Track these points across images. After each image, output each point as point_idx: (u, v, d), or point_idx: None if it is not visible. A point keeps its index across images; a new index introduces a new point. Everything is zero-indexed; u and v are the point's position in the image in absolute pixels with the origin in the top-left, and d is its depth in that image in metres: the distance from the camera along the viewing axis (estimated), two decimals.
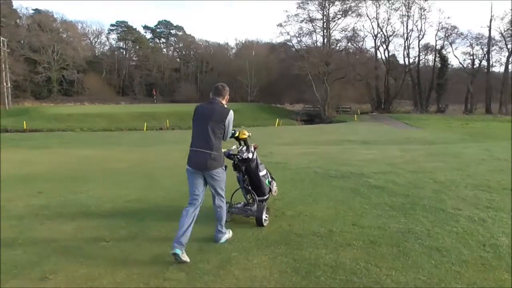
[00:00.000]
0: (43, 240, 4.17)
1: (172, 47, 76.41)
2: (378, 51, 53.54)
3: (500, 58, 54.69)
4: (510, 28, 45.67)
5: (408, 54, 52.04)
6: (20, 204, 5.62)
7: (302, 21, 48.59)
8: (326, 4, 47.77)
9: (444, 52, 50.16)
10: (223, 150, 4.10)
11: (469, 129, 26.62)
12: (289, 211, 5.00)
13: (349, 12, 48.04)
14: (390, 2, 49.69)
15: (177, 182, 6.96)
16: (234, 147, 4.70)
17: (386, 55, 53.19)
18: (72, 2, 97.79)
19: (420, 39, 50.99)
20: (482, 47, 48.96)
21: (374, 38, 52.41)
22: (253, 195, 4.70)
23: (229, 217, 4.69)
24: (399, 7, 49.92)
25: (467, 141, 17.11)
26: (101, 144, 17.52)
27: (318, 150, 11.77)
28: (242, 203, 4.82)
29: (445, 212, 4.87)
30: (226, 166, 4.03)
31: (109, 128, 31.07)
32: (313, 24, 49.13)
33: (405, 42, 51.40)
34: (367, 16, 53.14)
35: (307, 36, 50.18)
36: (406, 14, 50.10)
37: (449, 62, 50.59)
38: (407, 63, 52.36)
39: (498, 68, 52.46)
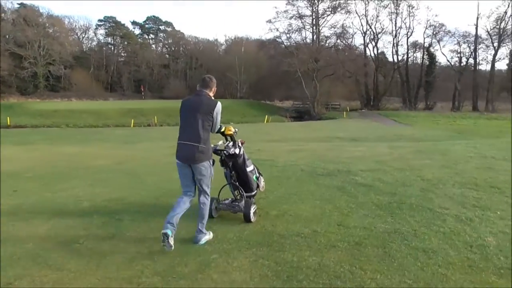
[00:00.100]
0: (12, 243, 3.95)
1: (161, 43, 75.60)
2: (367, 48, 53.75)
3: (487, 56, 55.76)
4: (496, 26, 46.22)
5: (396, 51, 52.33)
6: None
7: (291, 18, 48.37)
8: (315, 1, 47.60)
9: (432, 49, 50.58)
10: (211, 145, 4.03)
11: (456, 126, 26.82)
12: (273, 211, 4.85)
13: (338, 9, 47.92)
14: None
15: (160, 180, 6.79)
16: (220, 142, 4.61)
17: (375, 52, 53.47)
18: None
19: (408, 36, 51.25)
20: (469, 45, 49.45)
21: (363, 35, 52.58)
22: (240, 191, 4.63)
23: (217, 213, 4.67)
24: (388, 4, 50.07)
25: (454, 138, 17.18)
26: (86, 140, 17.16)
27: (306, 147, 11.64)
28: (230, 199, 4.74)
29: (432, 211, 4.77)
30: (213, 161, 3.95)
31: (96, 125, 30.55)
32: (303, 21, 48.98)
33: (393, 39, 51.61)
34: (356, 13, 53.15)
35: (297, 32, 50.02)
36: (395, 11, 50.26)
37: (437, 60, 51.01)
38: (395, 60, 52.67)
39: (485, 66, 53.09)
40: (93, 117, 33.07)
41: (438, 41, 50.35)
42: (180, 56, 71.51)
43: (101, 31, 69.22)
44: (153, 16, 73.00)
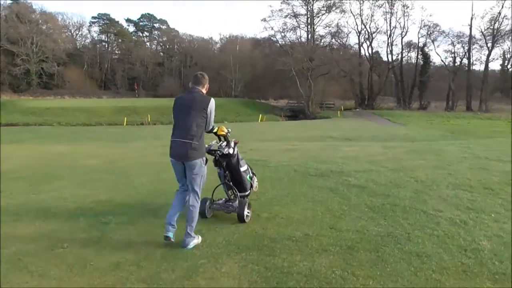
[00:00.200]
0: None
1: (156, 41, 75.18)
2: (361, 48, 53.75)
3: (481, 57, 56.19)
4: (490, 27, 46.45)
5: (391, 51, 52.46)
6: None
7: (286, 16, 48.17)
8: (310, 0, 47.53)
9: (426, 49, 50.69)
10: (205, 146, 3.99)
11: (450, 126, 26.88)
12: (264, 213, 4.74)
13: (333, 8, 47.82)
14: None
15: (150, 180, 6.66)
16: (214, 142, 4.55)
17: (370, 52, 53.53)
18: None
19: (403, 36, 51.41)
20: (463, 45, 49.66)
21: (358, 34, 52.62)
22: (234, 191, 4.60)
23: (211, 213, 4.63)
24: (383, 4, 50.10)
25: (448, 138, 17.18)
26: (77, 139, 16.92)
27: (300, 146, 11.54)
28: (224, 199, 4.71)
29: (426, 213, 4.70)
30: (206, 160, 3.89)
31: (89, 123, 30.27)
32: (297, 20, 48.81)
33: (388, 39, 51.72)
34: (351, 12, 53.34)
35: (291, 31, 49.85)
36: (390, 11, 50.31)
37: (431, 60, 51.12)
38: (390, 60, 52.77)
39: (479, 67, 53.48)
40: (85, 115, 32.77)
41: (433, 41, 50.62)
42: (174, 54, 71.12)
43: (95, 28, 68.87)
44: (148, 13, 72.68)
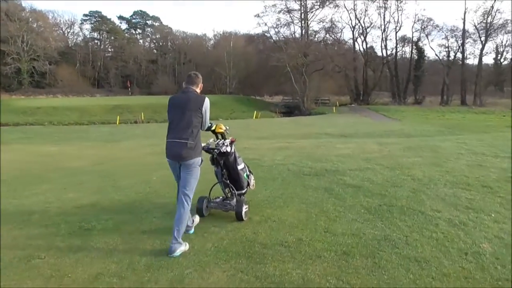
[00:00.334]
0: None
1: (149, 38, 74.59)
2: (356, 43, 53.44)
3: (474, 51, 55.91)
4: (484, 21, 46.36)
5: (385, 45, 52.13)
6: None
7: (279, 12, 47.75)
8: None
9: (420, 44, 50.51)
10: (202, 144, 3.93)
11: (445, 121, 26.78)
12: (256, 216, 4.54)
13: (327, 3, 47.47)
14: None
15: (137, 182, 6.43)
16: (211, 140, 4.49)
17: (364, 47, 53.22)
18: None
19: (397, 30, 51.18)
20: (457, 39, 49.48)
21: (352, 29, 52.23)
22: (231, 189, 4.56)
23: (208, 212, 4.59)
24: None
25: (444, 134, 17.04)
26: (66, 139, 16.55)
27: (294, 144, 11.35)
28: (221, 197, 4.68)
29: (424, 214, 4.51)
30: (202, 160, 3.78)
31: (81, 122, 29.82)
32: (291, 15, 48.41)
33: (382, 33, 51.37)
34: (345, 7, 52.87)
35: (285, 27, 49.45)
36: (383, 5, 49.93)
37: (425, 54, 50.91)
38: (384, 54, 52.43)
39: (472, 60, 53.43)
40: (77, 114, 32.31)
41: (427, 36, 50.39)
42: (168, 51, 70.60)
43: (87, 26, 68.28)
44: (140, 10, 72.20)
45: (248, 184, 4.78)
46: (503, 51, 51.98)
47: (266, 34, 50.72)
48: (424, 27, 49.55)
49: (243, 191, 4.69)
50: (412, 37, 51.22)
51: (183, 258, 3.51)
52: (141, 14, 72.02)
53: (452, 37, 49.37)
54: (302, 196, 5.33)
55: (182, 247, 3.63)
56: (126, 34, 70.95)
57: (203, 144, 4.07)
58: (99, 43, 68.81)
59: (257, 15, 49.00)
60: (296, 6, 48.22)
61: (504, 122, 25.04)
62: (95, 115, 32.42)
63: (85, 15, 67.16)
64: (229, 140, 4.48)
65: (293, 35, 49.83)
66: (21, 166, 8.24)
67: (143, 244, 3.82)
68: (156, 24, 73.00)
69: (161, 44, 72.44)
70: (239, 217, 4.36)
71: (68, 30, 67.87)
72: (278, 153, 9.26)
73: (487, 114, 32.53)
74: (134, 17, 72.01)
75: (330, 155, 8.56)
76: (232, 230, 4.12)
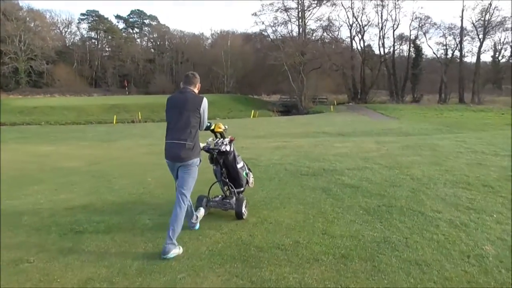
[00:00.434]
0: None
1: (146, 38, 74.32)
2: (353, 41, 53.34)
3: (472, 48, 55.85)
4: (481, 18, 46.34)
5: (383, 44, 52.10)
6: None
7: (277, 11, 47.61)
8: None
9: (418, 42, 50.50)
10: (201, 145, 3.90)
11: (444, 119, 26.69)
12: (252, 218, 4.43)
13: (324, 1, 47.38)
14: None
15: (131, 183, 6.31)
16: (210, 139, 4.48)
17: (362, 45, 53.15)
18: None
19: (394, 29, 51.10)
20: (455, 37, 49.46)
21: (349, 27, 52.12)
22: (230, 188, 4.56)
23: (207, 210, 4.52)
24: None
25: (442, 132, 16.96)
26: (62, 139, 16.36)
27: (292, 143, 11.24)
28: (220, 196, 4.66)
29: (424, 215, 4.41)
30: (200, 160, 3.73)
31: (78, 121, 29.61)
32: (288, 14, 48.24)
33: (380, 32, 51.33)
34: (342, 5, 52.96)
35: (282, 25, 49.34)
36: (381, 3, 49.82)
37: (423, 52, 50.86)
38: (382, 53, 52.49)
39: (470, 58, 53.36)
40: (75, 113, 32.08)
41: (424, 34, 50.41)
42: (165, 51, 70.33)
43: (84, 26, 67.96)
44: (137, 9, 71.90)
45: (247, 182, 4.75)
46: (501, 48, 52.08)
47: (263, 33, 50.72)
48: (422, 25, 49.59)
49: (242, 189, 4.67)
50: (410, 35, 51.35)
51: (176, 262, 3.40)
52: (139, 13, 71.75)
53: (450, 35, 49.47)
54: (300, 197, 5.22)
55: (176, 250, 3.53)
56: (124, 34, 70.68)
57: (202, 144, 4.07)
58: (96, 43, 68.52)
59: (255, 14, 49.07)
60: (293, 4, 48.33)
61: (502, 120, 24.96)
62: (92, 114, 32.21)
63: (82, 14, 67.01)
64: (228, 139, 4.47)
65: (291, 33, 49.74)
66: (16, 166, 8.10)
67: (135, 247, 3.71)
68: (154, 23, 72.75)
69: (158, 43, 72.18)
70: (239, 216, 4.34)
71: (66, 30, 67.62)
72: (275, 152, 9.16)
73: (485, 112, 32.46)
74: (131, 16, 71.74)
75: (327, 154, 8.46)
76: (228, 232, 4.02)
